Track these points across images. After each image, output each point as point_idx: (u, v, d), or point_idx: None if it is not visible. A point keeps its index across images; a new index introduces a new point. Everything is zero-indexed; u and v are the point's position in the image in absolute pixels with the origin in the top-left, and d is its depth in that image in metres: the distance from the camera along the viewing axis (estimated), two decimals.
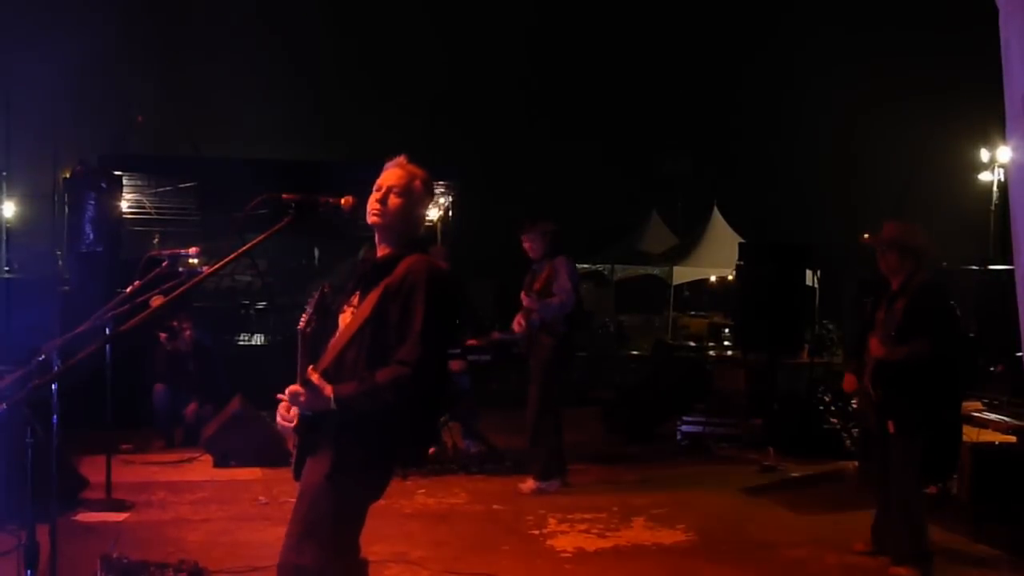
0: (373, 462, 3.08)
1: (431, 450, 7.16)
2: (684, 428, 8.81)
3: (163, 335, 8.20)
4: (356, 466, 3.03)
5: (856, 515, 6.26)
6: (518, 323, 6.79)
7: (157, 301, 8.37)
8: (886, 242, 5.18)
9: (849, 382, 5.54)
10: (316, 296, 3.00)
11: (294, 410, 3.05)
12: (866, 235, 5.80)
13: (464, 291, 8.85)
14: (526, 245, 6.79)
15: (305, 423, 3.04)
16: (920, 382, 4.98)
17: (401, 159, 3.26)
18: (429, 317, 3.00)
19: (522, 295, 6.68)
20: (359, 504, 3.12)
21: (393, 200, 3.17)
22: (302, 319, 2.96)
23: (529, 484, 6.69)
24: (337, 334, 3.13)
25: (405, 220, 3.20)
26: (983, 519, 5.90)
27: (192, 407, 8.11)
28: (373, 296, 3.06)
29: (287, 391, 3.02)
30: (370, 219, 3.18)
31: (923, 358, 4.95)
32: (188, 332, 8.31)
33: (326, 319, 3.13)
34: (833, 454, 8.06)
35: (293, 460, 3.14)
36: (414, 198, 3.21)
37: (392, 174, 3.21)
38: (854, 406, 8.10)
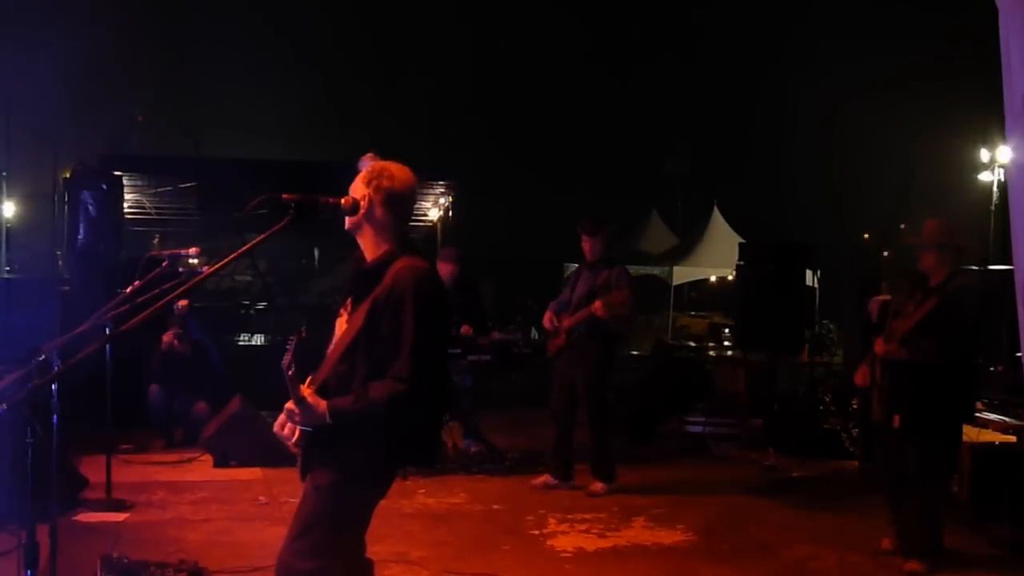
0: (373, 467, 3.08)
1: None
2: (691, 429, 8.85)
3: (170, 335, 8.10)
4: (356, 471, 3.04)
5: (856, 515, 6.26)
6: (549, 320, 6.87)
7: (184, 303, 8.42)
8: (926, 241, 5.19)
9: (862, 375, 5.48)
10: (294, 341, 2.94)
11: (292, 425, 3.06)
12: (910, 237, 5.72)
13: (476, 289, 8.81)
14: (585, 246, 6.85)
15: (305, 438, 3.06)
16: (933, 381, 5.00)
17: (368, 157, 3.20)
18: (420, 330, 2.97)
19: (596, 306, 6.51)
20: (359, 507, 3.13)
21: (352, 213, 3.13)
22: (285, 359, 2.92)
23: (598, 486, 6.73)
24: (333, 343, 3.13)
25: (372, 223, 3.13)
26: (983, 519, 5.90)
27: (202, 406, 8.06)
28: (363, 308, 3.03)
29: (284, 409, 3.02)
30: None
31: (930, 360, 4.97)
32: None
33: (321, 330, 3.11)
34: (833, 454, 8.05)
35: (299, 461, 3.15)
36: (372, 199, 3.11)
37: (356, 181, 3.16)
38: (854, 406, 8.11)
